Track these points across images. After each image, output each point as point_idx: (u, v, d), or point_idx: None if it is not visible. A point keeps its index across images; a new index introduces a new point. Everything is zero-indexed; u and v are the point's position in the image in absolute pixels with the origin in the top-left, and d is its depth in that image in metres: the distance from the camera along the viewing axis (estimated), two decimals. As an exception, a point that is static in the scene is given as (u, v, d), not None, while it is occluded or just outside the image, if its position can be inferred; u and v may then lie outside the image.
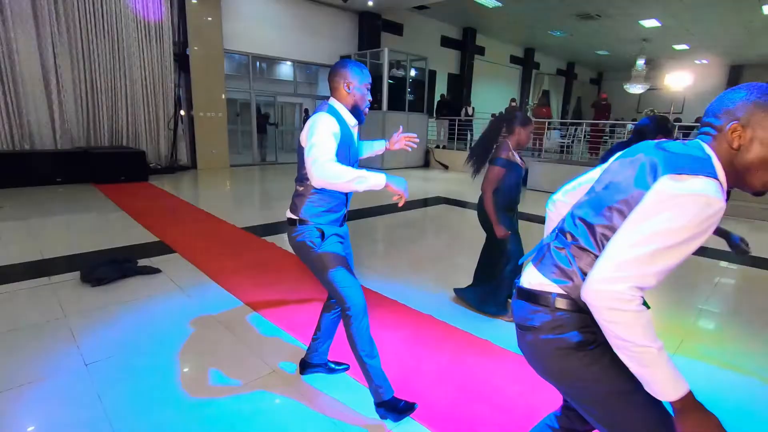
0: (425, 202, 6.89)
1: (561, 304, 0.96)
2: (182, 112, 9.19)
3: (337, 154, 1.55)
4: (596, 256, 0.93)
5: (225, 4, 9.28)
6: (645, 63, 14.76)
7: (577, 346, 0.93)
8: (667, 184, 0.83)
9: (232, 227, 4.80)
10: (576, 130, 10.86)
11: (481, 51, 16.25)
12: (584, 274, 0.94)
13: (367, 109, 1.75)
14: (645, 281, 0.81)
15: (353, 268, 1.83)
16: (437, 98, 13.97)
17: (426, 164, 12.15)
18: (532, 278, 1.04)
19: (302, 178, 1.70)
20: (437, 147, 12.29)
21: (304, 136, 1.59)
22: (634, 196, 0.88)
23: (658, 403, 0.90)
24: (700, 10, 11.23)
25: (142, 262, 3.49)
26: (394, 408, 1.73)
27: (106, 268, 3.21)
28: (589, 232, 0.95)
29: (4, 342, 2.30)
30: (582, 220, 0.98)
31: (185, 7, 8.66)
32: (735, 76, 18.81)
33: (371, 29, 11.83)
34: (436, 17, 13.65)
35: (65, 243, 4.00)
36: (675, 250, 0.80)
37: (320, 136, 1.52)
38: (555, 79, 20.74)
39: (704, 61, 18.63)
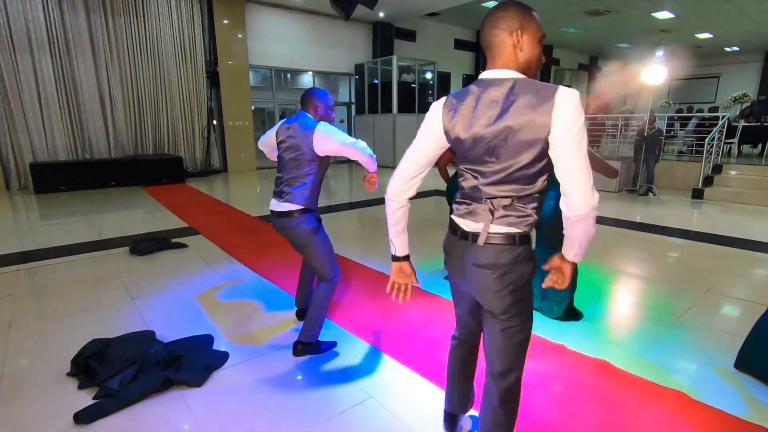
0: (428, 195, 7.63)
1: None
2: (214, 122, 10.42)
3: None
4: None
5: (249, 24, 10.43)
6: (664, 54, 14.71)
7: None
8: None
9: (248, 216, 5.77)
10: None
11: (496, 51, 16.69)
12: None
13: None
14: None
15: None
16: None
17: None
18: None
19: (303, 175, 2.16)
20: (449, 145, 12.91)
21: (327, 142, 2.09)
22: None
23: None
24: (712, 1, 11.20)
25: (174, 240, 4.49)
26: (315, 346, 2.32)
27: (147, 243, 4.24)
28: None
29: (78, 288, 3.32)
30: None
31: (215, 30, 9.87)
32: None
33: (385, 38, 12.67)
34: (448, 22, 14.27)
35: (118, 229, 5.11)
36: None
37: (338, 132, 2.13)
38: (577, 74, 20.69)
39: (735, 48, 18.09)
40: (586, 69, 21.14)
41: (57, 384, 2.06)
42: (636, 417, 1.86)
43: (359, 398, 1.99)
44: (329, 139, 2.10)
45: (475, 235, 1.22)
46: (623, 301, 3.25)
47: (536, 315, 2.85)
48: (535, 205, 1.19)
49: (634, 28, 14.71)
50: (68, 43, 8.14)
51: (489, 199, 1.19)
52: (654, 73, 6.82)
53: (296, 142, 2.16)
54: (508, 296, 1.21)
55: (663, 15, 12.66)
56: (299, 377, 2.16)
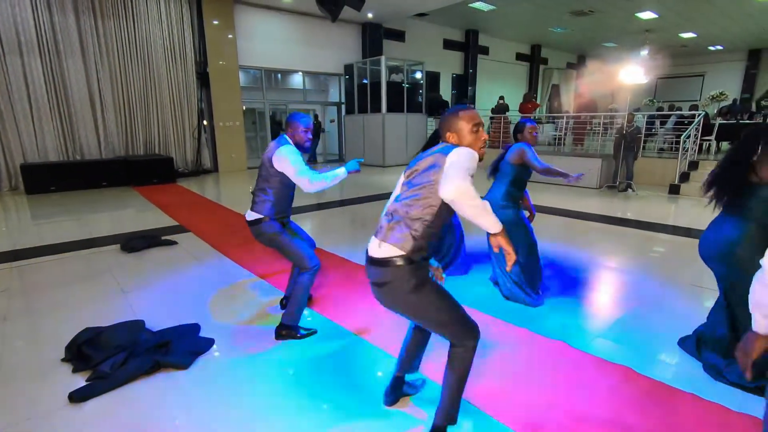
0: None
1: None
2: (205, 123, 10.52)
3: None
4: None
5: (239, 25, 10.54)
6: (649, 53, 15.00)
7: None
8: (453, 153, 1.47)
9: (237, 214, 5.91)
10: (568, 122, 11.42)
11: (485, 51, 16.87)
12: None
13: (307, 144, 2.57)
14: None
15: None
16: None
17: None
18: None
19: (267, 187, 2.44)
20: (438, 144, 13.10)
21: (281, 162, 2.35)
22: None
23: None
24: (693, 2, 11.48)
25: (165, 238, 4.63)
26: (296, 331, 2.52)
27: (138, 240, 4.37)
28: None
29: (70, 283, 3.45)
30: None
31: (204, 31, 9.97)
32: (754, 60, 18.50)
33: (374, 38, 12.82)
34: (437, 22, 14.44)
35: (109, 227, 5.23)
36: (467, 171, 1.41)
37: (295, 160, 2.33)
38: (565, 72, 20.96)
39: (719, 48, 18.47)
40: (575, 68, 21.43)
41: (52, 368, 2.21)
42: (585, 389, 2.05)
43: (337, 378, 2.16)
44: (285, 162, 2.36)
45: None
46: (589, 288, 3.44)
47: (509, 304, 3.04)
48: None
49: (618, 28, 14.98)
50: (58, 45, 8.21)
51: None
52: (632, 73, 7.03)
53: (265, 158, 2.47)
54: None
55: (646, 15, 12.92)
56: (281, 360, 2.32)
